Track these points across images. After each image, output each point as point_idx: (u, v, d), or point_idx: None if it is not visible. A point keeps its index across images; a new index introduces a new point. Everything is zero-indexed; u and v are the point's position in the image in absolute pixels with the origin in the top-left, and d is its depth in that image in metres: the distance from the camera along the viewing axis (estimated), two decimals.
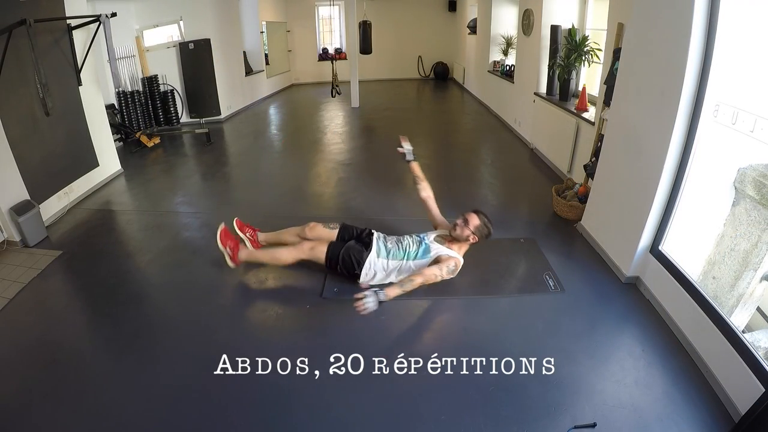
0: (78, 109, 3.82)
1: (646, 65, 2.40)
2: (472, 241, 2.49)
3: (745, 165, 1.97)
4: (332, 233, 2.66)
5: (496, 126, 6.48)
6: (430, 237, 2.55)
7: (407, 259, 2.45)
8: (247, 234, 2.78)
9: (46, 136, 3.42)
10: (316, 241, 2.53)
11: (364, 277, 2.46)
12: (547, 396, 1.81)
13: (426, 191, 2.78)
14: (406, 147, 2.82)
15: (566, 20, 4.49)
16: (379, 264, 2.46)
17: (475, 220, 2.47)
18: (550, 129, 4.51)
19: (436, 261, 2.42)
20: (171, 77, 6.49)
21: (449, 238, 2.53)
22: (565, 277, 2.61)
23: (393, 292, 2.14)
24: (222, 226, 2.54)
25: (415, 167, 2.82)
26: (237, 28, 7.66)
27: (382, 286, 2.14)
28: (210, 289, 2.54)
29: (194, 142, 5.83)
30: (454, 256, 2.45)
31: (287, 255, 2.51)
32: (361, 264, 2.45)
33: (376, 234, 2.59)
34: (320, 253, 2.49)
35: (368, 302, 1.99)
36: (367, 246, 2.51)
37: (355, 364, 1.98)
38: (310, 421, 1.72)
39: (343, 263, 2.46)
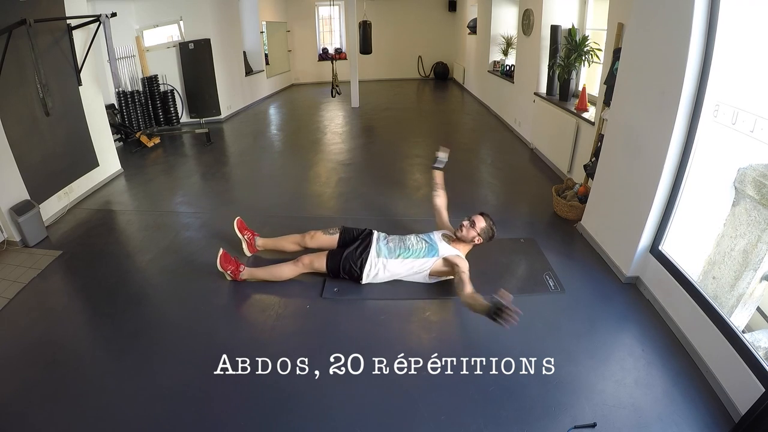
0: (78, 109, 3.82)
1: (646, 65, 2.40)
2: (477, 242, 2.51)
3: (745, 165, 1.97)
4: (333, 239, 2.67)
5: (496, 126, 6.48)
6: (437, 235, 2.56)
7: (412, 257, 2.46)
8: (246, 236, 2.79)
9: (46, 136, 3.42)
10: (314, 254, 2.54)
11: (366, 277, 2.47)
12: (547, 396, 1.81)
13: (441, 198, 2.84)
14: (442, 155, 2.90)
15: (566, 20, 4.49)
16: (380, 263, 2.46)
17: (481, 222, 2.49)
18: (550, 129, 4.51)
19: (446, 262, 2.43)
20: (171, 77, 6.50)
21: (454, 239, 2.54)
22: (565, 277, 2.61)
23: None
24: (221, 251, 2.55)
25: (439, 175, 2.89)
26: (237, 28, 7.66)
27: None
28: (210, 289, 2.54)
29: (194, 142, 5.83)
30: (459, 254, 2.46)
31: (288, 271, 2.52)
32: (362, 266, 2.45)
33: (375, 234, 2.60)
34: (320, 266, 2.51)
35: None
36: (367, 247, 2.51)
37: (355, 364, 1.98)
38: (310, 421, 1.72)
39: (345, 271, 2.48)
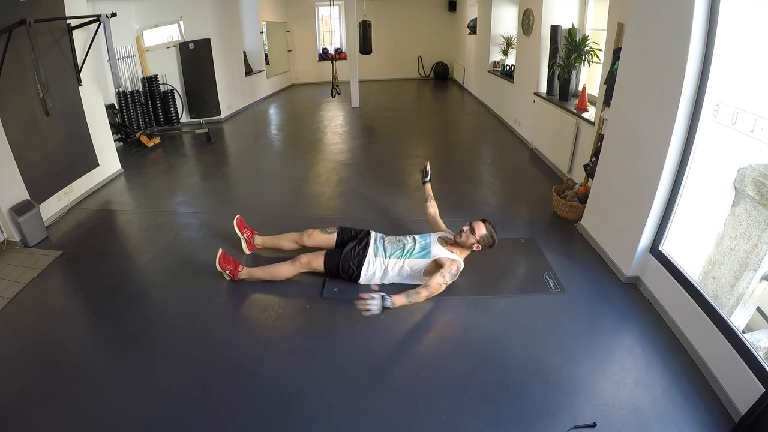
0: (78, 109, 3.82)
1: (646, 65, 2.40)
2: (475, 249, 2.47)
3: (745, 165, 1.96)
4: (331, 238, 2.67)
5: (496, 126, 6.48)
6: (433, 237, 2.55)
7: (407, 257, 2.45)
8: (245, 234, 2.80)
9: (46, 136, 3.42)
10: (312, 254, 2.54)
11: (364, 277, 2.47)
12: (547, 396, 1.81)
13: (433, 208, 2.85)
14: (427, 169, 3.02)
15: (566, 20, 4.49)
16: (378, 263, 2.46)
17: (481, 230, 2.44)
18: (550, 129, 4.51)
19: (438, 265, 2.40)
20: (171, 77, 6.50)
21: (452, 242, 2.52)
22: (565, 277, 2.61)
23: (399, 301, 2.09)
24: (220, 251, 2.56)
25: (428, 188, 2.96)
26: (237, 28, 7.66)
27: (389, 293, 2.08)
28: (210, 289, 2.54)
29: (194, 142, 5.83)
30: (456, 258, 2.43)
31: (285, 271, 2.52)
32: (360, 265, 2.46)
33: (373, 234, 2.59)
34: (318, 265, 2.51)
35: (373, 304, 1.93)
36: (365, 247, 2.51)
37: (355, 363, 1.98)
38: (311, 421, 1.72)
39: (344, 271, 2.48)
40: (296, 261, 2.51)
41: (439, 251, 2.45)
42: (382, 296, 1.98)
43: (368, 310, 1.93)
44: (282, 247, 2.77)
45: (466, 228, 2.46)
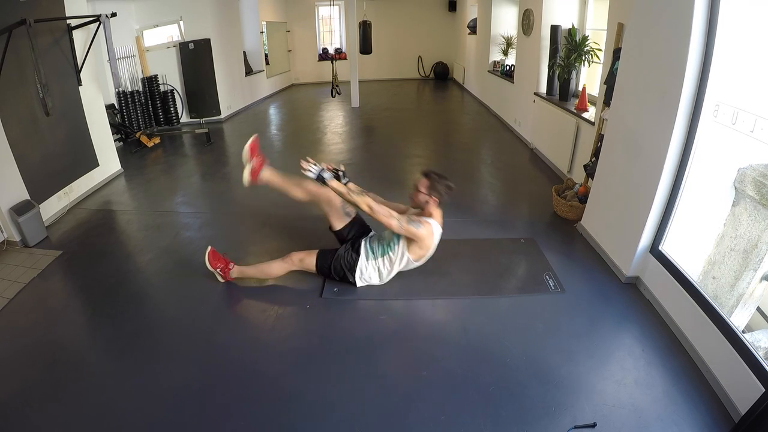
0: (78, 109, 3.82)
1: (646, 65, 2.40)
2: (433, 203, 2.34)
3: (745, 165, 1.96)
4: (342, 217, 2.59)
5: (496, 126, 6.48)
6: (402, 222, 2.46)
7: (389, 252, 2.41)
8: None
9: (46, 136, 3.42)
10: (305, 252, 2.50)
11: (359, 280, 2.46)
12: (547, 396, 1.81)
13: (377, 205, 2.30)
14: (314, 168, 2.35)
15: (566, 20, 4.49)
16: (371, 266, 2.45)
17: (424, 182, 2.33)
18: (550, 129, 4.51)
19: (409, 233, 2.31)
20: (171, 77, 6.50)
21: (417, 213, 2.44)
22: (565, 277, 2.61)
23: (334, 184, 2.30)
24: (209, 249, 2.54)
25: (339, 186, 2.33)
26: (237, 28, 7.66)
27: (327, 173, 2.34)
28: (210, 289, 2.54)
29: (194, 142, 5.83)
30: (426, 221, 2.32)
31: (277, 268, 2.49)
32: (352, 269, 2.44)
33: (364, 239, 2.55)
34: (310, 264, 2.48)
35: (311, 169, 2.30)
36: (357, 251, 2.47)
37: (355, 363, 1.98)
38: (311, 420, 1.72)
39: (335, 273, 2.47)
40: (288, 258, 2.47)
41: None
42: (323, 170, 2.30)
43: (308, 170, 2.29)
44: (288, 191, 2.63)
45: (412, 191, 2.38)
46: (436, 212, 2.41)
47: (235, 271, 2.53)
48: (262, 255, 2.86)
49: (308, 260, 2.49)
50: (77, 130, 3.82)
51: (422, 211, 2.42)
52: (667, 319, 2.23)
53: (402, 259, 2.42)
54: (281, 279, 2.60)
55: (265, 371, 1.95)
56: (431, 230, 2.34)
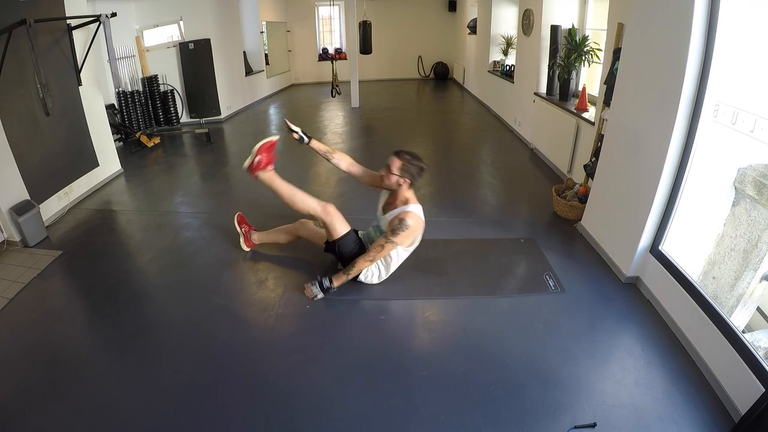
0: (78, 109, 3.82)
1: (646, 65, 2.40)
2: (404, 184, 2.28)
3: (745, 165, 1.97)
4: (321, 232, 2.64)
5: (496, 126, 6.48)
6: (378, 212, 2.48)
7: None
8: (243, 229, 2.92)
9: (46, 136, 3.42)
10: (342, 219, 2.44)
11: (364, 279, 2.47)
12: (547, 396, 1.81)
13: (343, 161, 2.60)
14: (294, 128, 2.60)
15: (566, 20, 4.49)
16: (373, 265, 2.44)
17: (396, 162, 2.25)
18: (550, 129, 4.51)
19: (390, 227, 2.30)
20: (171, 77, 6.50)
21: (391, 198, 2.40)
22: (565, 277, 2.61)
23: (338, 280, 2.37)
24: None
25: (316, 144, 2.62)
26: (237, 28, 7.66)
27: (328, 275, 2.41)
28: (210, 289, 2.54)
29: (194, 142, 5.83)
30: (405, 210, 2.27)
31: (308, 204, 2.44)
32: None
33: (362, 237, 2.55)
34: (336, 230, 2.41)
35: (315, 291, 2.37)
36: (361, 248, 2.47)
37: (355, 363, 1.98)
38: (311, 420, 1.72)
39: (339, 252, 2.46)
40: (326, 205, 2.41)
41: (385, 221, 2.35)
42: (320, 281, 2.36)
43: (315, 296, 2.37)
44: (278, 241, 2.85)
45: (383, 172, 2.31)
46: (410, 194, 2.34)
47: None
48: (262, 255, 2.86)
49: (339, 226, 2.41)
50: (77, 130, 3.82)
51: (395, 195, 2.35)
52: (667, 319, 2.23)
53: (398, 253, 2.41)
54: (281, 279, 2.60)
55: (265, 371, 1.95)
56: (416, 218, 2.27)
